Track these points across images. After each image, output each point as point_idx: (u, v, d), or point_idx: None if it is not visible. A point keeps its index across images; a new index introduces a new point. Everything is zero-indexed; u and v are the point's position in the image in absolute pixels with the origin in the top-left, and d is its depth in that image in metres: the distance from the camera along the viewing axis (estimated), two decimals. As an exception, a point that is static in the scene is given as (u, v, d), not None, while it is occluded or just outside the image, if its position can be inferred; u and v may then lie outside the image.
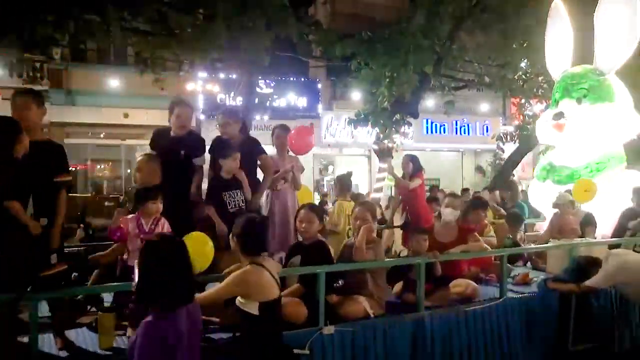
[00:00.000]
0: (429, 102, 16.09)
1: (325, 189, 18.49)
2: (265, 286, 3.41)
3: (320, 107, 18.07)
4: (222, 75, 15.53)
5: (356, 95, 15.18)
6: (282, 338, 3.61)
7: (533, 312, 5.50)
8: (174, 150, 5.07)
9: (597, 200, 7.19)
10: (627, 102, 7.85)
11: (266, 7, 8.99)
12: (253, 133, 13.37)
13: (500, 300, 5.33)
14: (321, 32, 11.52)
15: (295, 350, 3.89)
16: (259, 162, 5.57)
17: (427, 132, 19.61)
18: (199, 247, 3.83)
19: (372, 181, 18.07)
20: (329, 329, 4.24)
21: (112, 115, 15.36)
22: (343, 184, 6.91)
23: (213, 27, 8.93)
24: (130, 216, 4.42)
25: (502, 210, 8.55)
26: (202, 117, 16.57)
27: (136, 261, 2.87)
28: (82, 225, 11.00)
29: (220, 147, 5.24)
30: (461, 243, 5.41)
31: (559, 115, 7.71)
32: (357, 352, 4.37)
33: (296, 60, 14.09)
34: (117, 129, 16.16)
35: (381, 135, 15.10)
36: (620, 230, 6.74)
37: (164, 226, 4.33)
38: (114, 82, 14.71)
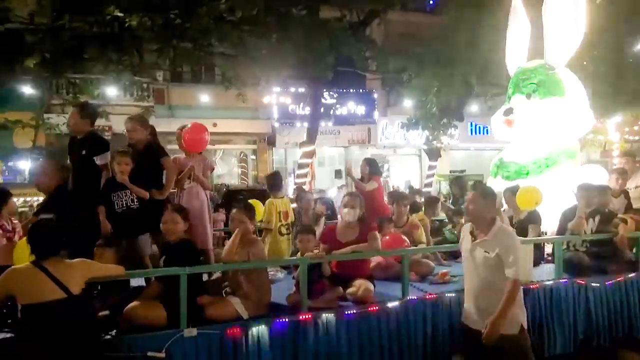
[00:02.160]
0: (473, 107, 15.62)
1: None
2: (34, 289, 2.87)
3: (376, 114, 17.98)
4: (292, 89, 15.78)
5: (408, 102, 14.98)
6: (58, 344, 2.89)
7: (436, 315, 4.37)
8: (77, 151, 4.69)
9: (546, 196, 5.96)
10: (579, 96, 6.71)
11: (330, 31, 9.07)
12: (320, 137, 13.67)
13: (397, 302, 4.22)
14: (376, 49, 11.48)
15: (149, 353, 3.38)
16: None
17: (472, 134, 19.03)
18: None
19: (423, 178, 17.79)
20: (191, 331, 3.54)
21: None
22: (273, 182, 6.17)
23: (285, 49, 9.11)
24: None
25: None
26: (276, 124, 16.90)
27: None
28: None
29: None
30: (361, 242, 4.47)
31: (509, 112, 6.72)
32: (225, 355, 3.62)
33: (355, 74, 14.11)
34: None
35: (430, 137, 14.87)
36: (561, 232, 5.48)
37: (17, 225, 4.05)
38: (204, 97, 15.22)
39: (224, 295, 4.06)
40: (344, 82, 15.77)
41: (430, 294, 4.46)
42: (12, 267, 3.01)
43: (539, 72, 6.75)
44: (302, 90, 15.14)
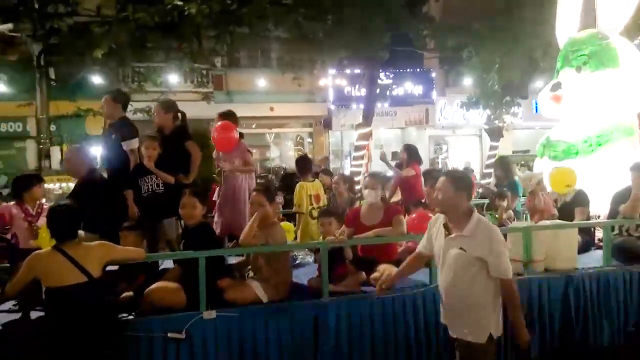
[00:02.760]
0: (538, 83, 14.83)
1: (440, 166, 17.96)
2: (55, 273, 2.96)
3: (434, 94, 17.49)
4: (348, 71, 15.65)
5: (467, 81, 14.44)
6: (78, 326, 2.96)
7: None
8: (107, 136, 4.87)
9: (599, 177, 5.64)
10: (636, 67, 6.04)
11: (386, 9, 8.87)
12: (376, 119, 13.51)
13: (422, 288, 4.03)
14: (435, 26, 11.10)
15: (170, 334, 3.42)
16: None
17: (537, 112, 18.09)
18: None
19: (484, 159, 17.19)
20: (210, 314, 3.55)
21: (260, 109, 16.16)
22: (302, 165, 6.03)
23: (340, 31, 9.02)
24: (11, 203, 4.32)
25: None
26: (332, 107, 16.87)
27: None
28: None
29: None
30: (386, 225, 4.34)
31: (556, 87, 6.19)
32: (244, 338, 3.63)
33: (412, 53, 13.74)
34: (265, 120, 16.99)
35: (492, 116, 14.31)
36: (613, 216, 5.07)
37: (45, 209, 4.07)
38: (261, 82, 15.43)
39: (247, 278, 4.05)
40: (401, 62, 15.42)
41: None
42: (36, 251, 3.10)
43: (591, 42, 6.20)
44: (357, 71, 14.98)
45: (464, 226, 2.96)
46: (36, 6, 9.70)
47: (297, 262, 5.04)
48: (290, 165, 17.53)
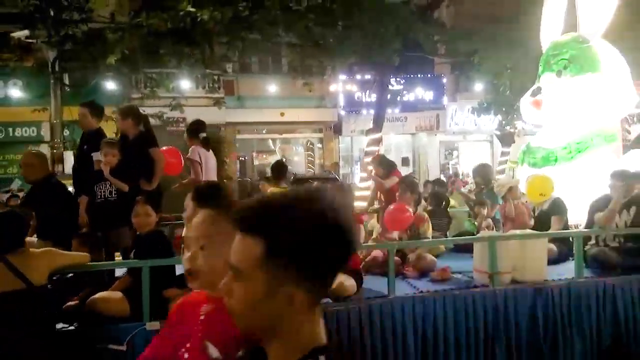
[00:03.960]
0: (551, 88, 14.73)
1: (450, 172, 17.89)
2: None
3: (445, 99, 17.46)
4: (358, 76, 15.69)
5: (479, 86, 14.41)
6: (11, 333, 2.86)
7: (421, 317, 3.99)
8: (80, 146, 4.94)
9: (578, 184, 5.51)
10: (618, 71, 5.91)
11: (396, 16, 8.90)
12: (386, 124, 13.53)
13: (380, 298, 3.96)
14: (445, 32, 11.11)
15: (110, 346, 3.32)
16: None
17: (549, 117, 17.99)
18: None
19: (495, 165, 17.11)
20: (154, 325, 3.38)
21: (271, 114, 16.27)
22: (277, 171, 5.88)
23: (350, 36, 9.06)
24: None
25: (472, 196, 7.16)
26: (342, 112, 16.91)
27: None
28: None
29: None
30: None
31: (537, 92, 6.07)
32: None
33: (423, 58, 13.77)
34: (275, 125, 17.09)
35: (503, 122, 14.24)
36: (589, 225, 4.93)
37: None
38: (272, 87, 15.54)
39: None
40: (412, 68, 15.45)
41: (420, 292, 4.15)
42: None
43: (571, 46, 6.07)
44: (368, 77, 15.02)
45: None
46: (52, 13, 9.87)
47: None
48: (300, 170, 17.60)
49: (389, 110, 15.25)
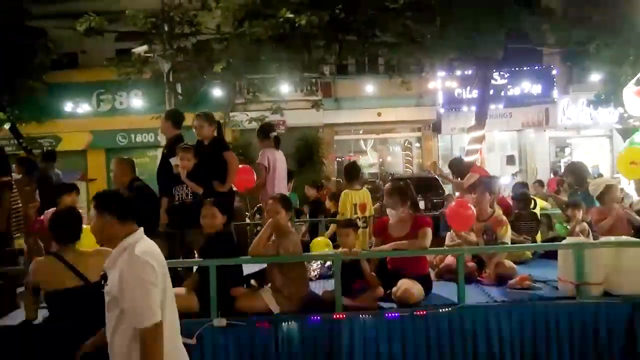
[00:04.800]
0: (684, 75, 13.01)
1: (562, 171, 16.54)
2: (51, 277, 3.04)
3: (555, 92, 16.18)
4: (458, 72, 15.13)
5: (595, 77, 13.15)
6: (73, 330, 2.92)
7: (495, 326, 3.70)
8: (163, 151, 5.14)
9: None
10: None
11: (499, 6, 8.42)
12: (489, 121, 12.86)
13: (448, 307, 3.73)
14: (556, 19, 10.28)
15: (182, 339, 3.34)
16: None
17: (682, 108, 15.89)
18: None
19: (615, 163, 15.51)
20: (220, 321, 3.57)
21: (368, 114, 16.26)
22: (350, 173, 5.74)
23: (450, 32, 8.76)
24: (51, 210, 4.33)
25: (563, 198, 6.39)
26: (441, 110, 16.41)
27: None
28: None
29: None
30: (412, 238, 4.04)
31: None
32: (254, 348, 3.61)
33: (530, 50, 12.88)
34: (372, 125, 17.06)
35: (625, 115, 12.87)
36: None
37: (83, 217, 4.10)
38: (369, 87, 15.50)
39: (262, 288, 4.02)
40: (517, 60, 14.50)
41: (495, 301, 3.86)
42: (36, 259, 3.26)
43: None
44: (469, 72, 14.40)
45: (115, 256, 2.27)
46: (166, 28, 10.77)
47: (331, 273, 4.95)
48: (397, 170, 17.38)
49: (492, 106, 14.49)
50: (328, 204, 7.68)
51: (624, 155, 4.94)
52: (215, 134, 4.98)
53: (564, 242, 4.40)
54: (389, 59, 11.25)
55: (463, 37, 8.61)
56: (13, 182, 4.66)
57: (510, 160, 17.01)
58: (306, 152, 15.06)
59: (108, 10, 11.53)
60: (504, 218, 4.91)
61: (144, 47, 10.93)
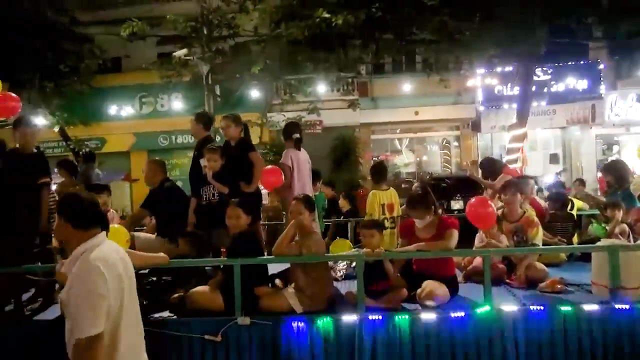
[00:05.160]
0: None
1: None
2: None
3: (602, 88, 15.53)
4: (499, 69, 14.75)
5: (646, 70, 12.55)
6: None
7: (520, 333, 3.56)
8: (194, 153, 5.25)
9: None
10: None
11: (541, 0, 8.16)
12: (531, 118, 12.50)
13: (468, 311, 3.62)
14: (603, 12, 9.87)
15: (206, 336, 3.56)
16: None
17: None
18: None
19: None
20: (244, 320, 3.62)
21: (405, 113, 16.07)
22: (377, 173, 5.68)
23: (489, 28, 8.55)
24: None
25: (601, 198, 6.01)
26: (481, 108, 16.05)
27: None
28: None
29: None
30: (439, 239, 3.97)
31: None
32: (277, 346, 3.63)
33: (575, 44, 12.42)
34: (409, 124, 16.85)
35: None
36: None
37: (113, 217, 4.24)
38: (406, 86, 15.32)
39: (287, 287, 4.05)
40: (561, 55, 14.00)
41: (523, 304, 3.72)
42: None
43: None
44: (509, 69, 14.01)
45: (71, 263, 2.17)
46: (205, 32, 11.00)
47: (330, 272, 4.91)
48: (435, 170, 17.10)
49: (535, 103, 14.06)
50: (342, 202, 7.71)
51: None
52: (242, 135, 5.05)
53: (598, 244, 4.24)
54: (427, 57, 11.09)
55: (503, 32, 8.39)
56: (54, 183, 4.84)
57: (553, 158, 16.43)
58: (343, 152, 15.05)
59: (150, 15, 11.89)
60: (536, 219, 4.74)
61: (184, 51, 11.20)
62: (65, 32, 12.42)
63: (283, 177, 5.19)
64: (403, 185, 15.41)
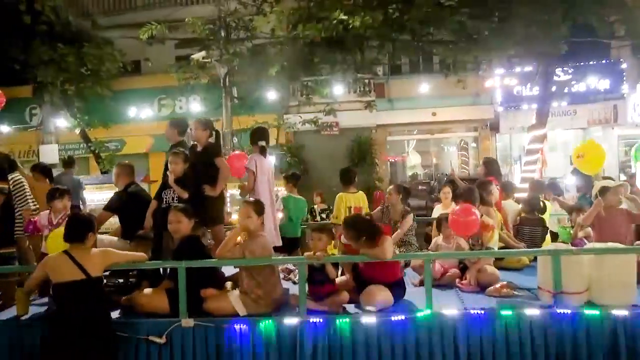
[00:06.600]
0: None
1: (633, 171, 15.49)
2: (59, 270, 3.54)
3: (625, 87, 15.20)
4: (518, 69, 14.54)
5: (670, 70, 12.23)
6: (77, 317, 3.48)
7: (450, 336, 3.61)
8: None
9: None
10: None
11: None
12: (551, 119, 12.28)
13: (414, 314, 3.71)
14: (626, 10, 9.64)
15: (151, 337, 3.73)
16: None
17: None
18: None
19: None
20: (188, 322, 3.76)
21: (422, 114, 15.94)
22: (345, 177, 5.81)
23: (508, 27, 8.42)
24: (43, 212, 4.71)
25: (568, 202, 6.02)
26: (499, 108, 15.85)
27: None
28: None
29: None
30: (372, 247, 3.95)
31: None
32: (221, 348, 3.73)
33: (596, 43, 12.15)
34: (426, 125, 16.72)
35: None
36: None
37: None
38: (423, 87, 15.18)
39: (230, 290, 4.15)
40: (582, 54, 13.75)
41: (466, 309, 3.76)
42: (49, 255, 3.75)
43: None
44: (529, 69, 13.80)
45: None
46: (222, 34, 11.06)
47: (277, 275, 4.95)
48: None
49: (555, 104, 13.83)
50: (316, 199, 7.74)
51: (578, 147, 4.96)
52: (211, 140, 5.10)
53: (542, 248, 4.26)
54: (444, 58, 10.97)
55: (523, 32, 8.25)
56: (10, 187, 5.08)
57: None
58: (359, 154, 15.00)
59: (168, 19, 12.01)
60: (491, 223, 4.74)
61: (202, 53, 11.28)
62: (86, 35, 12.62)
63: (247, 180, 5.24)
64: (420, 187, 15.31)
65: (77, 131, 14.21)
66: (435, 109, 15.73)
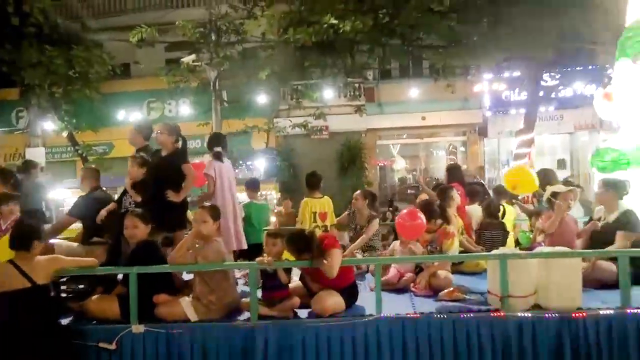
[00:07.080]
0: None
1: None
2: (3, 280, 3.44)
3: (611, 93, 15.41)
4: (506, 74, 14.70)
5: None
6: (25, 326, 3.38)
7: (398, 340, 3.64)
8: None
9: None
10: None
11: (551, 5, 8.11)
12: (539, 123, 12.41)
13: (365, 319, 3.70)
14: (613, 18, 9.79)
15: (101, 344, 3.67)
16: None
17: None
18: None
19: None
20: (138, 328, 3.69)
21: (412, 119, 16.03)
22: (311, 182, 5.75)
23: (497, 33, 8.51)
24: None
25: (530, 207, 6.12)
26: (488, 113, 15.99)
27: None
28: (390, 208, 11.85)
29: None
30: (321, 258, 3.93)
31: (608, 82, 4.95)
32: (171, 355, 3.68)
33: (583, 48, 12.32)
34: (416, 130, 16.81)
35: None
36: None
37: None
38: (413, 91, 15.28)
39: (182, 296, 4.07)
40: (569, 59, 13.91)
41: (409, 314, 3.75)
42: None
43: None
44: (517, 74, 13.96)
45: None
46: (213, 37, 11.04)
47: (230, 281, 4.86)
48: (442, 176, 16.99)
49: (542, 109, 13.99)
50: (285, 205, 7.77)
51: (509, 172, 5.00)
52: (178, 145, 5.01)
53: (493, 252, 4.25)
54: (434, 62, 11.07)
55: (512, 38, 8.34)
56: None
57: (561, 164, 16.33)
58: (349, 158, 15.02)
59: (158, 22, 11.96)
60: (451, 231, 4.77)
61: (192, 56, 11.24)
62: (75, 38, 12.50)
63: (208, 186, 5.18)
64: (409, 191, 15.37)
65: (65, 134, 14.06)
66: (424, 113, 15.82)
